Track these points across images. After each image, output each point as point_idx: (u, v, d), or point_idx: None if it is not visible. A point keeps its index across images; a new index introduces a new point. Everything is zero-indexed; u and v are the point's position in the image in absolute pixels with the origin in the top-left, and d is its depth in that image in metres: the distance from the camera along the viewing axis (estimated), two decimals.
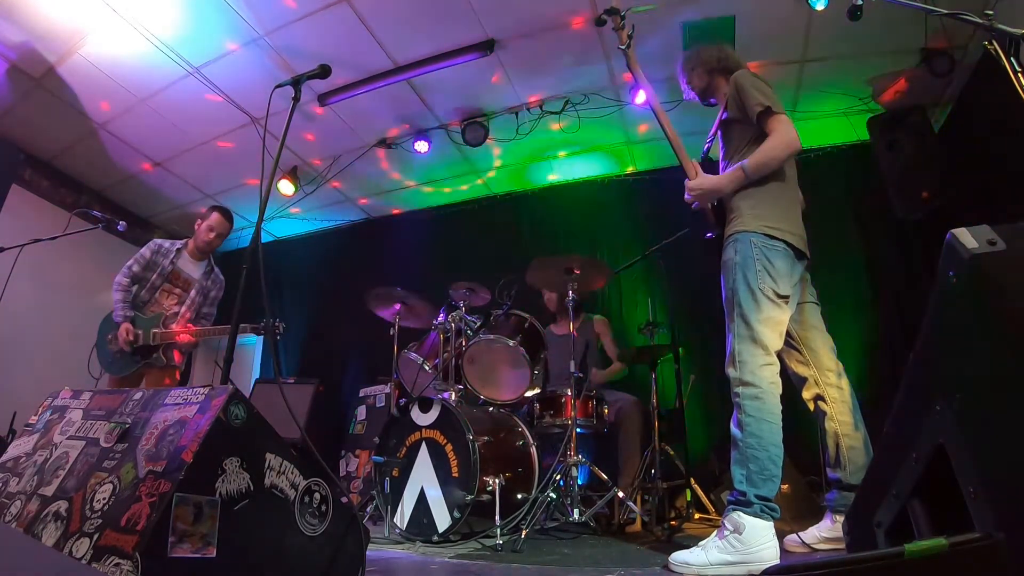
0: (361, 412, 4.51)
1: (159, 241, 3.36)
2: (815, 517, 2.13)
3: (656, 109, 2.21)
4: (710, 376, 3.85)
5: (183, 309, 3.27)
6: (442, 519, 2.45)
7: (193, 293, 3.33)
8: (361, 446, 4.32)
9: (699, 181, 2.09)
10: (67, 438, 1.52)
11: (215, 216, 3.38)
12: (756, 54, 3.57)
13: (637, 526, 2.78)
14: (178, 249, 3.34)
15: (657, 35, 3.44)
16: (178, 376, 3.38)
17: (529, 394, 3.09)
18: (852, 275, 4.02)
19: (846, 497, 1.90)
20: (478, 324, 3.16)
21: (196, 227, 3.40)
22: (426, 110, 4.27)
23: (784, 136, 1.95)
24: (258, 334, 3.08)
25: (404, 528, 2.54)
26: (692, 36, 3.46)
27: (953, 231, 0.84)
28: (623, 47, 2.20)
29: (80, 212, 3.45)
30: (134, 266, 3.23)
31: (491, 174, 5.06)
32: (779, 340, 1.92)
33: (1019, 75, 1.42)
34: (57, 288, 4.81)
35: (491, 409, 3.05)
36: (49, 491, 1.36)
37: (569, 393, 2.87)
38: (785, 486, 2.93)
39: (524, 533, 2.25)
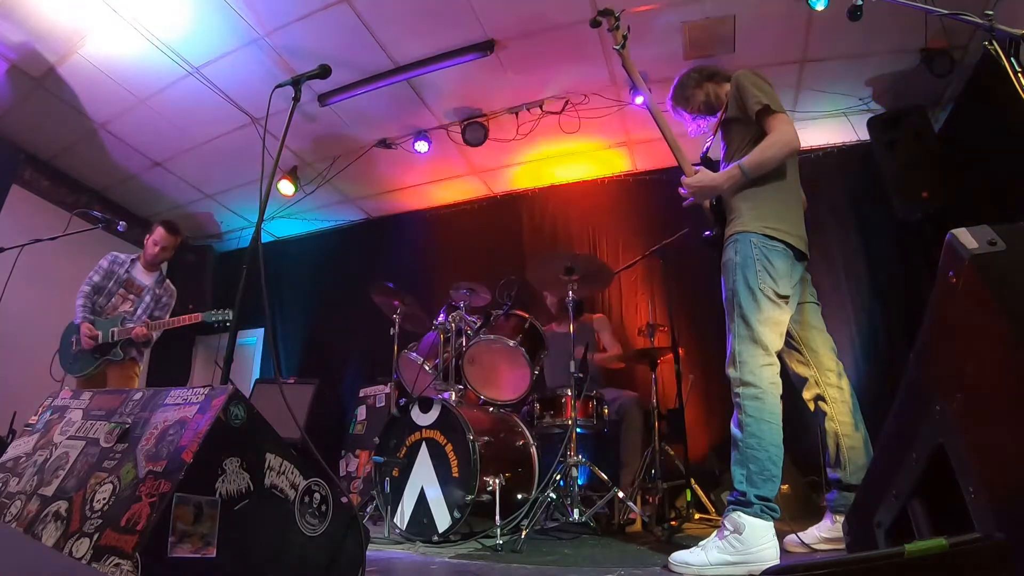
0: (361, 412, 4.51)
1: (115, 253, 3.61)
2: (815, 517, 2.13)
3: (652, 108, 2.21)
4: (710, 376, 3.85)
5: (139, 312, 3.54)
6: (442, 519, 2.44)
7: (148, 299, 3.58)
8: (361, 446, 4.31)
9: (696, 178, 2.07)
10: (67, 438, 1.52)
11: (159, 230, 3.60)
12: (756, 54, 3.57)
13: (637, 526, 2.78)
14: (132, 260, 3.61)
15: (659, 34, 3.44)
16: (138, 370, 3.56)
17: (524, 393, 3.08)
18: (852, 275, 4.02)
19: (846, 497, 1.89)
20: (478, 324, 3.15)
21: (144, 242, 3.63)
22: (426, 110, 4.27)
23: (782, 135, 1.93)
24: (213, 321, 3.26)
25: (404, 528, 2.53)
26: (691, 37, 3.47)
27: (953, 231, 0.84)
28: (617, 47, 2.20)
29: (80, 212, 3.52)
30: (94, 276, 3.49)
31: (491, 174, 5.06)
32: (779, 340, 1.92)
33: (1019, 75, 1.42)
34: (57, 288, 4.78)
35: (491, 409, 3.05)
36: (49, 491, 1.36)
37: (569, 393, 2.87)
38: (785, 486, 2.92)
39: (524, 533, 2.24)
